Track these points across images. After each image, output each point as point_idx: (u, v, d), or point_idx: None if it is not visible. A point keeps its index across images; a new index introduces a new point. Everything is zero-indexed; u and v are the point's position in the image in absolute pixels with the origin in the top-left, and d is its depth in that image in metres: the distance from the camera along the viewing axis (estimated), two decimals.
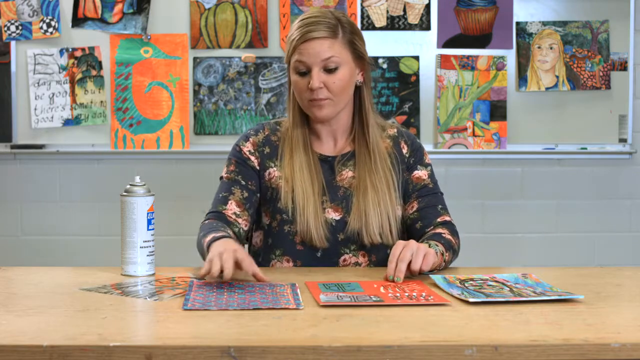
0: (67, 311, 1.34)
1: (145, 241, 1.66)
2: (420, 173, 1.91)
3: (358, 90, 1.88)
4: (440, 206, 1.89)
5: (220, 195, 1.86)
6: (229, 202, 1.83)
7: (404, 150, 1.92)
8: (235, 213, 1.82)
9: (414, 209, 1.87)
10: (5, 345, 1.12)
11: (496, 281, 1.56)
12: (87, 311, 1.33)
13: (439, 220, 1.86)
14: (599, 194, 3.47)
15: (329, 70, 1.80)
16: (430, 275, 1.59)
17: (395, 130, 1.95)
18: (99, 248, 3.37)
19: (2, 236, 3.41)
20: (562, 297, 1.42)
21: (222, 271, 1.48)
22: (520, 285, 1.52)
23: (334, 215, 1.83)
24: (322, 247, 1.81)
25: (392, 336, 1.16)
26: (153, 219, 1.67)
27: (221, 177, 1.90)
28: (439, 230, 1.82)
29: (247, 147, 1.90)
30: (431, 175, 1.92)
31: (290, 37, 1.82)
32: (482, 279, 1.58)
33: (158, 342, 1.13)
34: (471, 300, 1.39)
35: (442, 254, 1.70)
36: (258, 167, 1.88)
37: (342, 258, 1.83)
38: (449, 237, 1.79)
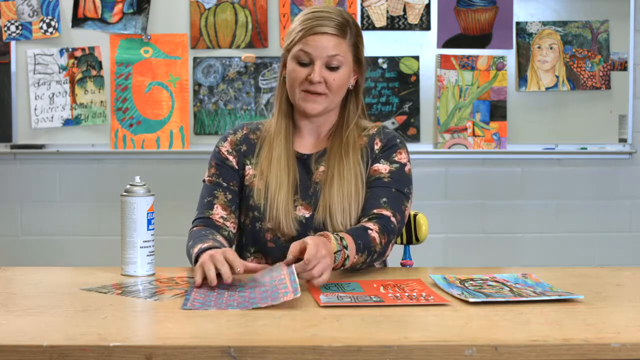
0: (67, 311, 1.34)
1: (145, 241, 1.66)
2: (380, 167, 1.84)
3: (347, 93, 1.88)
4: (384, 199, 1.78)
5: (206, 200, 1.85)
6: (215, 206, 1.83)
7: (376, 146, 1.87)
8: (222, 217, 1.82)
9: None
10: (5, 345, 1.12)
11: (496, 281, 1.56)
12: (87, 311, 1.33)
13: (375, 211, 1.77)
14: (599, 194, 3.47)
15: (331, 68, 1.79)
16: (431, 275, 1.59)
17: (376, 129, 1.90)
18: (99, 248, 3.37)
19: (2, 236, 3.41)
20: (562, 297, 1.42)
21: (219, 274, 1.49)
22: (520, 285, 1.52)
23: (304, 213, 1.81)
24: (292, 237, 1.77)
25: (392, 336, 1.16)
26: (153, 219, 1.67)
27: (204, 180, 1.89)
28: (370, 224, 1.73)
29: (225, 147, 1.89)
30: (395, 173, 1.82)
31: (295, 28, 1.81)
32: (482, 279, 1.58)
33: (158, 342, 1.13)
34: (471, 300, 1.39)
35: (345, 259, 1.60)
36: (237, 166, 1.88)
37: None
38: (373, 235, 1.69)
